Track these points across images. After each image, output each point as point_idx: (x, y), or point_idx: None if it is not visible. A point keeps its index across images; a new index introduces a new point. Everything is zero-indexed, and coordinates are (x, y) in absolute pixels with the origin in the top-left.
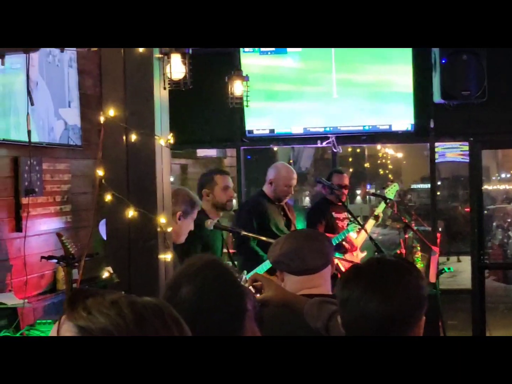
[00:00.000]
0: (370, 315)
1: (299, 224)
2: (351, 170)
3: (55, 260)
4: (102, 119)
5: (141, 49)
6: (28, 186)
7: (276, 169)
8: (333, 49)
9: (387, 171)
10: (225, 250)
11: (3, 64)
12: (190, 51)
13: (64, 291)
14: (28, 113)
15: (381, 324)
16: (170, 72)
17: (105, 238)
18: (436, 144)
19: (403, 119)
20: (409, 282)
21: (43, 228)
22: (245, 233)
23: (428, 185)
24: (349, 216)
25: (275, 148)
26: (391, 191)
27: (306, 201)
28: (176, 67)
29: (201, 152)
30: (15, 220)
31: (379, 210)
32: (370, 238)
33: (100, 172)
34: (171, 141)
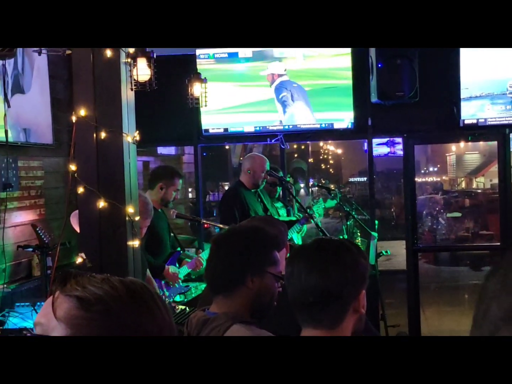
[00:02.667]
0: (311, 288)
1: (282, 210)
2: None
3: (31, 249)
4: (74, 118)
5: (109, 54)
6: (5, 181)
7: (252, 159)
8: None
9: (328, 166)
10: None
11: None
12: (155, 55)
13: (39, 277)
14: (5, 114)
15: (321, 296)
16: (137, 75)
17: (76, 229)
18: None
19: (344, 118)
20: (345, 259)
21: (19, 220)
22: (205, 221)
23: (363, 178)
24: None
25: (227, 147)
26: (318, 211)
27: None
28: (142, 70)
29: (160, 150)
30: None
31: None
32: (317, 225)
33: (72, 167)
34: (138, 138)
